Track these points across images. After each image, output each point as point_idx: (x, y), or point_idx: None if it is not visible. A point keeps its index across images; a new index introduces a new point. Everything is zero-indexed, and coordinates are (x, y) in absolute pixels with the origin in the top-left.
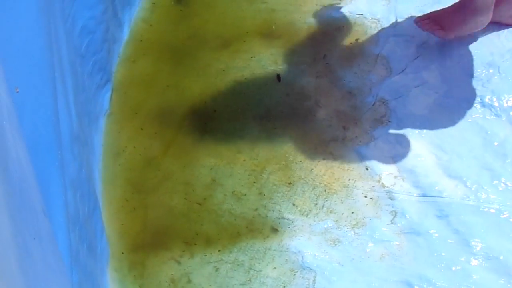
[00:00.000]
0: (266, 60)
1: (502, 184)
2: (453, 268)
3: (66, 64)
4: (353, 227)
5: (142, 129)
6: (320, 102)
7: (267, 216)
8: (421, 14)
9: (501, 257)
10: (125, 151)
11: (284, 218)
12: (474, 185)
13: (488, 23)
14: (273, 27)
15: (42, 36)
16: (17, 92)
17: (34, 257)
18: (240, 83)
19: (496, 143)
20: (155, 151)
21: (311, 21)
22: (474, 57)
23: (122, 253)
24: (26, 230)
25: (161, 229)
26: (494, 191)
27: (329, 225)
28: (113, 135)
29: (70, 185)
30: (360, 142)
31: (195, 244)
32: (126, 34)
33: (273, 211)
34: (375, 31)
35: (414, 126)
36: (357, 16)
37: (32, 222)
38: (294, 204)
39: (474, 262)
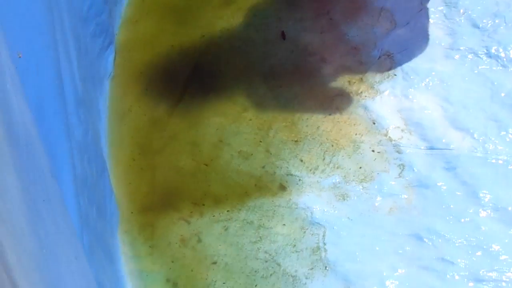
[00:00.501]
0: (270, 17)
1: (510, 135)
2: (462, 220)
3: (68, 28)
4: (361, 182)
5: (147, 90)
6: (325, 58)
7: (275, 173)
8: None
9: (510, 208)
10: (130, 111)
11: (292, 174)
12: (482, 136)
13: None
14: None
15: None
16: (20, 57)
17: (44, 218)
18: (244, 41)
19: (503, 94)
20: (161, 112)
21: None
22: (479, 8)
23: (132, 212)
24: (35, 192)
25: (169, 190)
26: (502, 142)
27: (337, 180)
28: (118, 98)
29: (77, 149)
30: (366, 96)
31: (203, 205)
32: None
33: (281, 168)
34: None
35: (420, 78)
36: None
37: (41, 184)
38: (301, 161)
39: (483, 214)
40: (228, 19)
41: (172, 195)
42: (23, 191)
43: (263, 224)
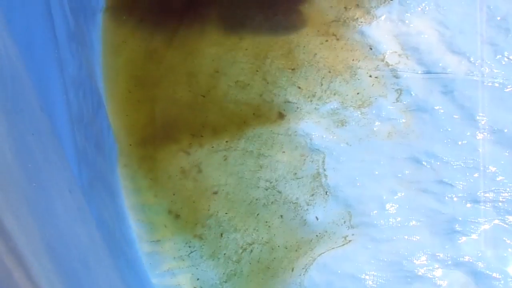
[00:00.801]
0: None
1: (505, 59)
2: (459, 143)
3: None
4: (359, 107)
5: (141, 21)
6: None
7: (272, 101)
8: None
9: (505, 130)
10: (125, 43)
11: (290, 102)
12: (478, 60)
13: None
14: None
15: None
16: None
17: (33, 151)
18: None
19: (499, 18)
20: (156, 43)
21: None
22: None
23: (130, 145)
24: (22, 125)
25: (167, 122)
26: (498, 65)
27: (335, 106)
28: (112, 30)
29: (71, 84)
30: (362, 22)
31: (202, 136)
32: None
33: (279, 96)
34: None
35: (416, 3)
36: None
37: (29, 118)
38: (299, 88)
39: (480, 136)
40: None
41: (170, 127)
42: (8, 122)
43: (263, 153)
